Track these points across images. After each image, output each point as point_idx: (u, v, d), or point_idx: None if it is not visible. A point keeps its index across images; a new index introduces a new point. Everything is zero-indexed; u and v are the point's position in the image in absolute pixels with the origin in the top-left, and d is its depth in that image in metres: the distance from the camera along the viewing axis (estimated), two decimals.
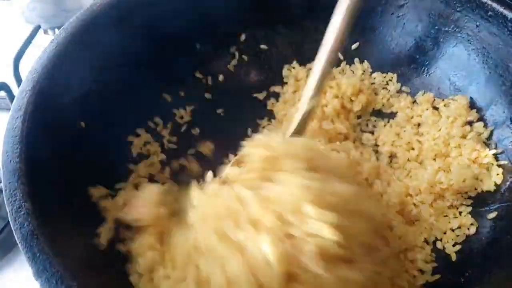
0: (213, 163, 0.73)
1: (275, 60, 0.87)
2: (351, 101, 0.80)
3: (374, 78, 0.83)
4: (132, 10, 0.71)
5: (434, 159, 0.71)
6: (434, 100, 0.78)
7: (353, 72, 0.84)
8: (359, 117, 0.81)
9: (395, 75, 0.83)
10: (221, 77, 0.85)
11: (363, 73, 0.84)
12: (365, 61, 0.85)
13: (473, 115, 0.73)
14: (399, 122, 0.78)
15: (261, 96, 0.84)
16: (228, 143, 0.73)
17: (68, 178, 0.56)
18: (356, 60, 0.85)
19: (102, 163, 0.64)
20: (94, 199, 0.60)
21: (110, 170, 0.66)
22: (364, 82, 0.82)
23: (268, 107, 0.83)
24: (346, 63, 0.85)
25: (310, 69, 0.80)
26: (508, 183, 0.66)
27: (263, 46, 0.87)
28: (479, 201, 0.67)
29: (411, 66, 0.81)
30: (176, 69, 0.81)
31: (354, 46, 0.85)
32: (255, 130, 0.80)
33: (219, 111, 0.82)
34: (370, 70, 0.84)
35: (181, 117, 0.80)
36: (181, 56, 0.81)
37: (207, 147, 0.77)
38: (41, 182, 0.50)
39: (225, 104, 0.82)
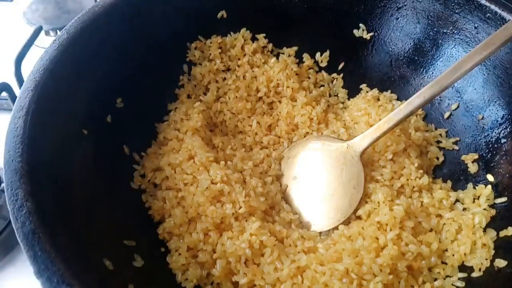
0: None
1: None
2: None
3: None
4: (133, 12, 0.72)
5: None
6: None
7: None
8: None
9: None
10: None
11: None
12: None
13: None
14: None
15: None
16: None
17: (69, 178, 0.56)
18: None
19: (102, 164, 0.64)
20: None
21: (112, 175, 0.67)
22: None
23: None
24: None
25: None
26: None
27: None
28: None
29: (410, 67, 0.82)
30: (175, 71, 0.82)
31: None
32: None
33: None
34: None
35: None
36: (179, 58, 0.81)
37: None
38: (43, 182, 0.50)
39: None
